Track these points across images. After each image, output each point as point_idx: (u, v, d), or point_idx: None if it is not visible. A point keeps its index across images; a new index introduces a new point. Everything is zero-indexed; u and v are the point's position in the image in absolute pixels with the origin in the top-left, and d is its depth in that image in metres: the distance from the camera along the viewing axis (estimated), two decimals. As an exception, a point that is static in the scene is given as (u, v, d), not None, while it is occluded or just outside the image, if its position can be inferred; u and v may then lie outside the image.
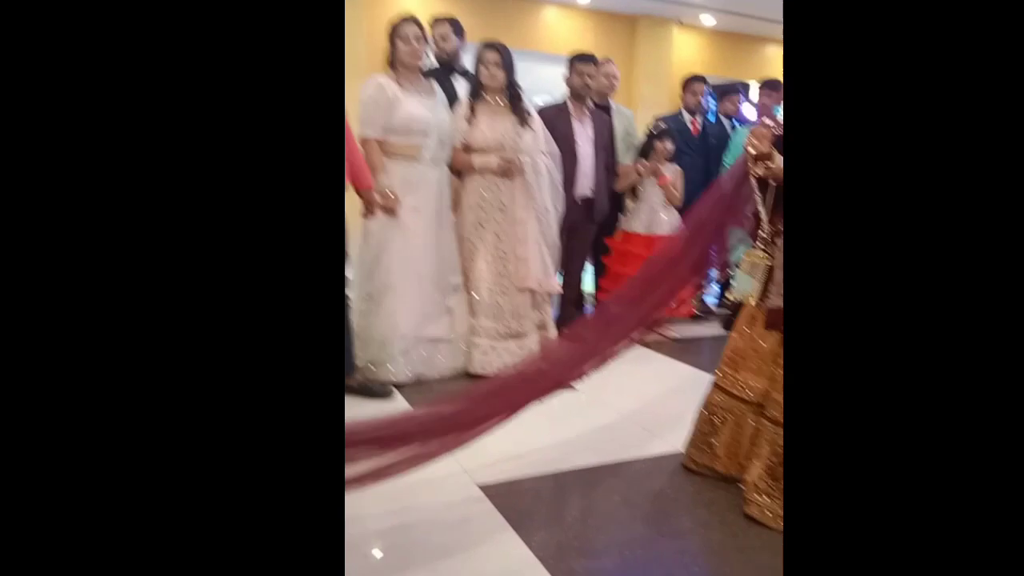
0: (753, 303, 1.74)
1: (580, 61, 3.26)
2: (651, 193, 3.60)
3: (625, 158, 3.65)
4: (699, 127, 3.94)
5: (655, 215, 3.58)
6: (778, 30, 6.95)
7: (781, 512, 1.65)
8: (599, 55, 3.41)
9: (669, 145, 3.54)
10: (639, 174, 3.56)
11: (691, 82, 3.95)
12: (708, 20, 6.70)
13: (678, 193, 3.61)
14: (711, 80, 4.24)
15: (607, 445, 2.14)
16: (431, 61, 3.01)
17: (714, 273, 2.14)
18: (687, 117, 3.93)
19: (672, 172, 3.61)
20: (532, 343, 2.84)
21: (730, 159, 3.69)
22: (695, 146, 3.90)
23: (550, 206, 2.86)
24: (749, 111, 4.57)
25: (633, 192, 3.66)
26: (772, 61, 7.19)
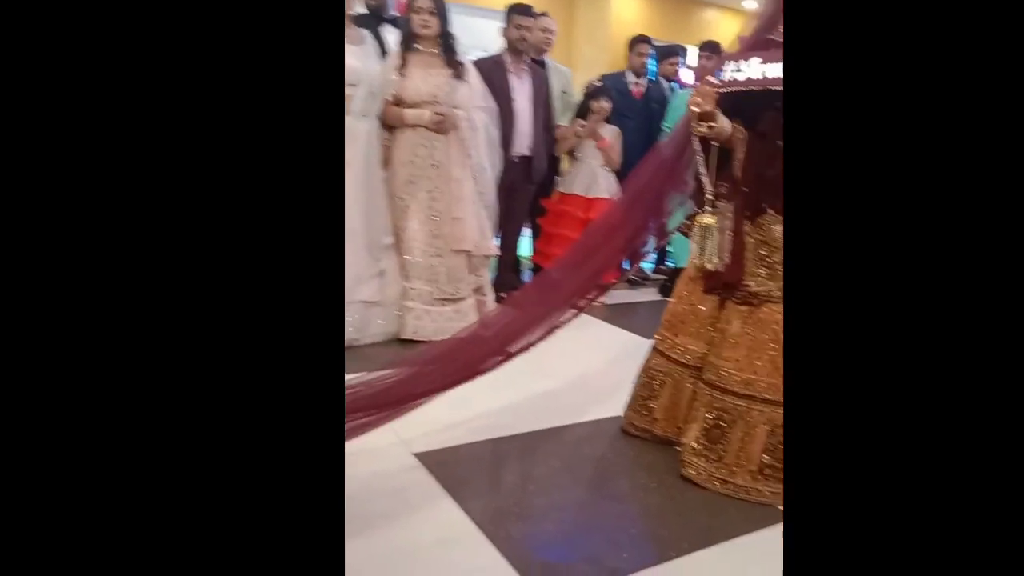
0: (712, 266, 1.71)
1: (517, 12, 3.15)
2: (590, 154, 3.55)
3: (562, 118, 3.58)
4: (642, 90, 3.89)
5: (594, 177, 3.54)
6: (715, -6, 6.98)
7: (716, 473, 1.67)
8: (536, 9, 3.30)
9: (606, 104, 3.48)
10: (578, 136, 3.49)
11: (637, 42, 3.88)
12: (647, -19, 6.64)
13: (616, 155, 3.58)
14: (657, 45, 4.19)
15: (546, 411, 2.12)
16: (360, 8, 2.83)
17: (652, 239, 2.12)
18: (631, 78, 3.87)
19: (610, 133, 3.56)
20: (468, 308, 2.77)
21: (669, 122, 3.68)
22: (637, 109, 3.85)
23: (487, 164, 2.77)
24: (687, 75, 4.56)
25: (570, 153, 3.61)
26: (710, 25, 7.23)
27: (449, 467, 1.72)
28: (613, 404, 2.11)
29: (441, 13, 2.62)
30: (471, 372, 1.61)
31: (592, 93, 3.51)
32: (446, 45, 2.66)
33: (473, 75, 2.74)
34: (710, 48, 3.66)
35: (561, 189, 3.63)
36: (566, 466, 1.78)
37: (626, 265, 2.50)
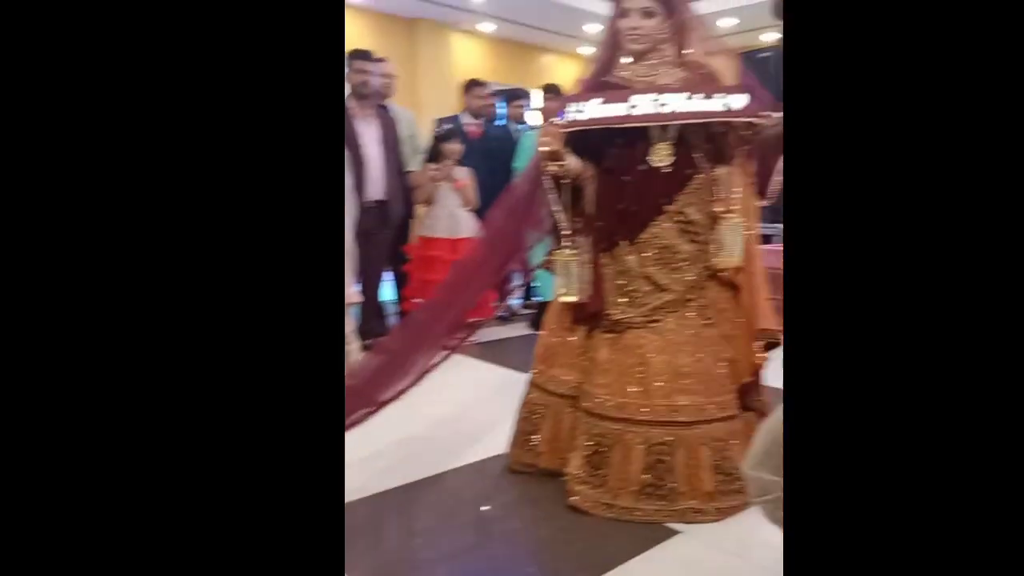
0: (573, 300, 1.77)
1: (357, 57, 3.14)
2: (448, 197, 3.58)
3: (412, 161, 3.60)
4: (482, 130, 4.01)
5: (455, 218, 3.57)
6: (555, 40, 7.41)
7: (601, 498, 1.70)
8: (377, 55, 3.32)
9: (458, 146, 3.56)
10: (434, 180, 3.52)
11: (472, 86, 4.03)
12: (487, 27, 6.91)
13: (472, 195, 3.65)
14: (493, 86, 4.36)
15: (425, 457, 2.06)
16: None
17: (517, 276, 2.16)
18: (468, 119, 3.99)
19: (463, 174, 3.63)
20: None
21: (520, 163, 3.81)
22: (476, 149, 3.97)
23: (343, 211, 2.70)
24: (532, 117, 4.77)
25: (426, 199, 3.62)
26: (549, 69, 7.63)
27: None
28: (494, 443, 2.10)
29: None
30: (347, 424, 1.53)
31: (443, 136, 3.56)
32: None
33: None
34: (552, 91, 3.86)
35: (425, 233, 3.62)
36: (451, 513, 1.74)
37: (495, 302, 2.53)
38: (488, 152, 4.01)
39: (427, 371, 1.74)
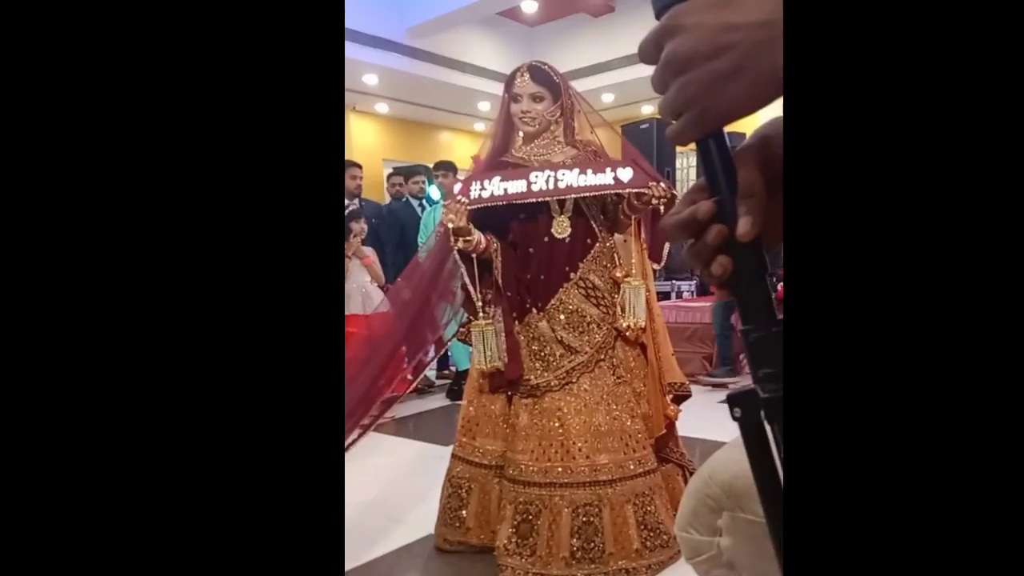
0: (492, 367, 1.80)
1: None
2: (358, 273, 3.58)
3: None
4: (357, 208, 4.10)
5: (367, 294, 3.57)
6: (450, 118, 7.66)
7: (532, 568, 1.69)
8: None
9: (362, 226, 3.60)
10: (347, 257, 3.52)
11: (346, 167, 4.12)
12: (382, 107, 7.07)
13: (379, 270, 3.67)
14: (395, 164, 4.46)
15: (349, 546, 1.98)
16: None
17: (431, 349, 2.17)
18: (346, 200, 4.06)
19: (369, 251, 3.66)
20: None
21: (423, 237, 3.88)
22: (381, 224, 4.04)
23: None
24: (434, 192, 4.89)
25: None
26: (446, 145, 7.85)
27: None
28: (421, 524, 2.05)
29: None
30: None
31: (347, 216, 3.59)
32: None
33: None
34: (445, 167, 3.99)
35: None
36: (385, 604, 1.67)
37: (409, 376, 2.51)
38: (391, 227, 4.07)
39: (354, 440, 1.70)
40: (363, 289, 3.57)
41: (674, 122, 0.44)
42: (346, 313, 3.54)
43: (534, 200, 1.77)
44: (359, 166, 4.19)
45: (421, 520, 2.05)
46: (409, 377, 3.25)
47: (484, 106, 7.10)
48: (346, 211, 3.67)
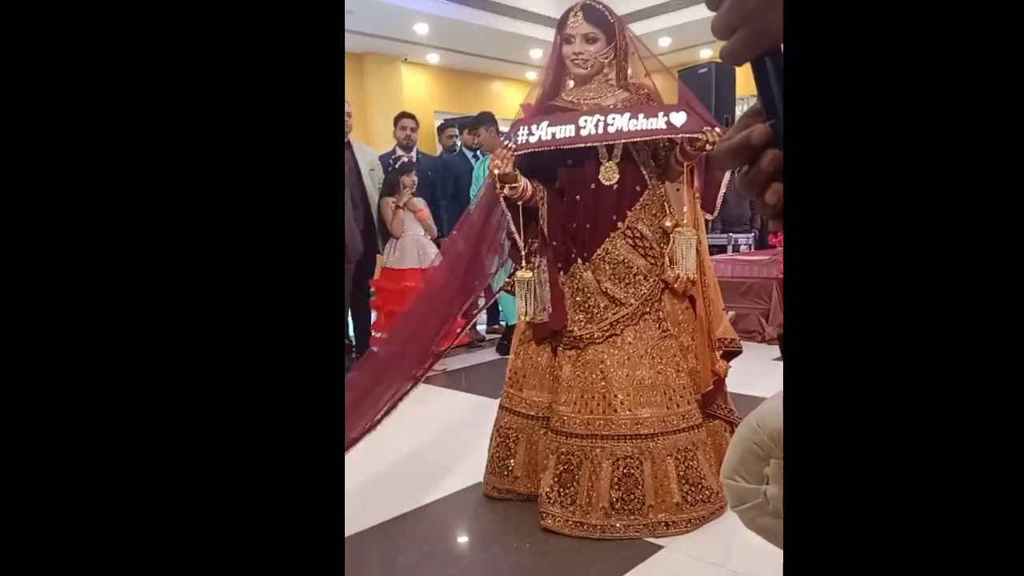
0: (537, 318, 1.79)
1: None
2: (411, 227, 3.60)
3: (373, 197, 3.61)
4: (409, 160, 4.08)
5: (422, 247, 3.59)
6: (501, 67, 7.52)
7: (572, 517, 1.71)
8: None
9: (413, 178, 3.59)
10: (398, 207, 3.53)
11: (399, 118, 4.11)
12: (433, 58, 6.98)
13: (432, 223, 3.68)
14: (445, 115, 4.41)
15: (402, 492, 2.04)
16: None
17: (481, 300, 2.17)
18: (399, 152, 4.04)
19: (421, 204, 3.66)
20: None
21: (475, 189, 3.85)
22: (434, 177, 4.02)
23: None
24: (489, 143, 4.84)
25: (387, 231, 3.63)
26: (498, 96, 7.73)
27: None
28: (470, 472, 2.09)
29: None
30: None
31: (399, 169, 3.59)
32: None
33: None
34: (487, 118, 3.94)
35: (393, 266, 3.61)
36: (432, 547, 1.72)
37: (461, 329, 2.53)
38: (446, 180, 4.05)
39: (398, 401, 1.73)
40: (419, 242, 3.59)
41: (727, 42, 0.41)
42: (404, 267, 3.58)
43: (582, 145, 1.71)
44: (413, 117, 4.15)
45: (471, 469, 2.09)
46: (458, 330, 3.29)
47: (536, 54, 6.92)
48: (398, 163, 3.66)
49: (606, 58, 1.78)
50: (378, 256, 3.71)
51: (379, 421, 1.68)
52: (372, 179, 3.62)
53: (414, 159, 3.87)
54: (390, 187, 3.59)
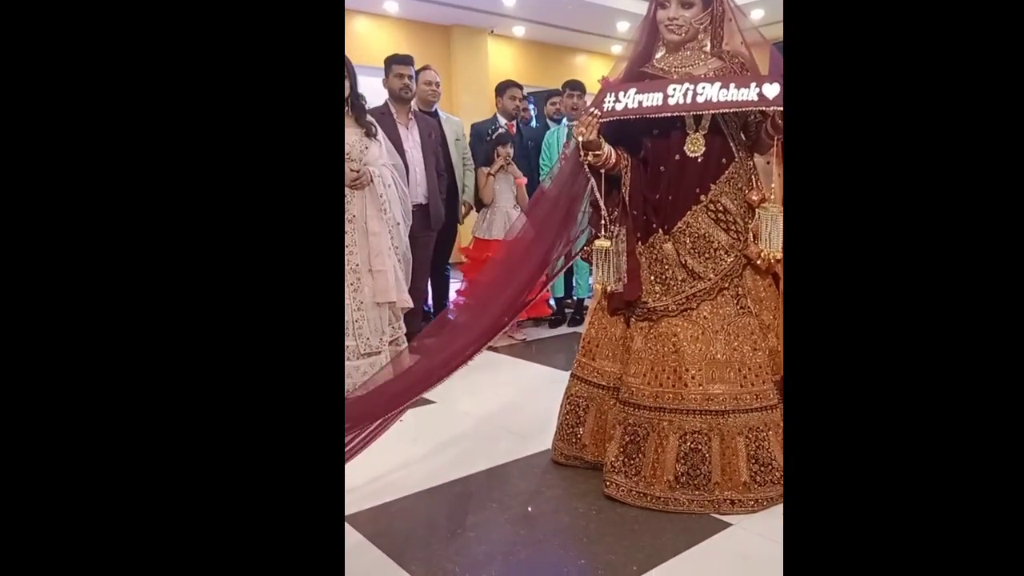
0: (612, 287, 1.78)
1: (396, 62, 3.21)
2: (502, 198, 3.64)
3: (458, 166, 3.66)
4: (515, 130, 4.04)
5: (511, 219, 3.61)
6: (587, 40, 7.40)
7: (636, 487, 1.71)
8: (417, 63, 3.38)
9: (509, 150, 3.62)
10: (492, 175, 3.58)
11: (506, 87, 4.06)
12: (519, 30, 6.95)
13: (526, 194, 3.69)
14: (529, 88, 4.38)
15: (473, 454, 2.10)
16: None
17: (560, 264, 2.17)
18: (502, 121, 4.02)
19: (518, 174, 3.69)
20: (383, 361, 2.72)
21: (545, 159, 3.84)
22: (515, 149, 4.00)
23: (400, 218, 2.77)
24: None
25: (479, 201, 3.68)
26: (581, 69, 7.62)
27: (382, 526, 1.66)
28: (539, 439, 2.12)
29: (351, 74, 2.63)
30: (385, 421, 1.58)
31: (497, 140, 3.62)
32: (356, 105, 2.66)
33: (382, 133, 2.76)
34: (573, 87, 3.86)
35: (481, 236, 3.66)
36: (502, 508, 1.76)
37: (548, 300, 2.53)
38: (523, 151, 4.04)
39: (472, 355, 1.74)
40: (508, 214, 3.62)
41: None
42: (490, 238, 3.62)
43: (669, 115, 1.68)
44: (520, 87, 4.07)
45: (540, 437, 2.12)
46: (549, 302, 3.29)
47: (623, 26, 6.77)
48: (495, 134, 3.69)
49: (701, 24, 1.72)
50: (458, 227, 3.76)
51: (448, 374, 1.71)
52: (457, 149, 3.67)
53: (512, 130, 3.86)
54: (486, 157, 3.64)
